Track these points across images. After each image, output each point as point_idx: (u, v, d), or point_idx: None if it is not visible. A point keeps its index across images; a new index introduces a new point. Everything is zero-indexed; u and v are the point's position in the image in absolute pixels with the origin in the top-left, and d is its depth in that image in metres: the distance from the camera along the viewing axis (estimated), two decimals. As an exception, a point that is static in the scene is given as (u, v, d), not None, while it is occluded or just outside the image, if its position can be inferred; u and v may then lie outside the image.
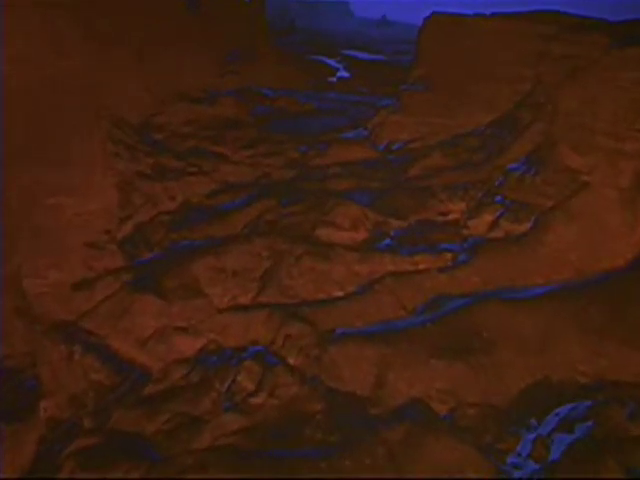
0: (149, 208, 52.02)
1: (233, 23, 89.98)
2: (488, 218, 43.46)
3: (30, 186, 47.61)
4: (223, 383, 32.20)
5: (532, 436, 29.96)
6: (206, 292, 38.94)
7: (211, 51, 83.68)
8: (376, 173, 53.02)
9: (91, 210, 49.32)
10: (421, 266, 40.17)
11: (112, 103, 61.21)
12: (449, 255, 40.68)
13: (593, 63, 50.53)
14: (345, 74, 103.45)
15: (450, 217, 44.64)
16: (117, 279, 40.96)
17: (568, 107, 47.75)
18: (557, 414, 30.23)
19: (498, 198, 44.74)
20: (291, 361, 34.10)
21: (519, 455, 29.30)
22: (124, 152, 55.95)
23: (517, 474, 28.36)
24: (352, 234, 42.44)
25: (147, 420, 31.44)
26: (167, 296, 38.41)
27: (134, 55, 68.72)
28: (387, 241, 42.07)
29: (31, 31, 50.13)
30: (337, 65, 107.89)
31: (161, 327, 37.06)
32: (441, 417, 31.44)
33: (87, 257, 45.14)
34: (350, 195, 47.29)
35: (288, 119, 74.69)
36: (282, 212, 45.86)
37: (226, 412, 30.42)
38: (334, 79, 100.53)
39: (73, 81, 56.36)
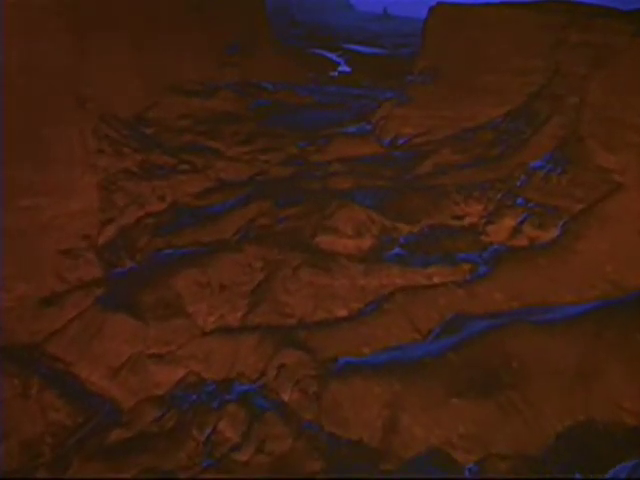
0: (134, 210, 44.45)
1: (233, 15, 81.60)
2: (509, 223, 35.86)
3: (1, 185, 40.03)
4: (202, 431, 24.78)
5: (580, 501, 22.63)
6: (189, 310, 31.51)
7: (210, 43, 75.39)
8: (381, 170, 45.34)
9: (69, 212, 41.72)
10: (436, 279, 32.65)
11: (101, 95, 53.18)
12: (467, 266, 33.16)
13: (619, 51, 42.58)
14: (346, 68, 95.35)
15: (466, 221, 37.05)
16: (89, 294, 33.54)
17: (596, 99, 39.91)
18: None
19: (520, 200, 37.09)
20: (285, 397, 26.70)
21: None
22: (109, 148, 48.27)
23: None
24: (357, 242, 34.88)
25: (110, 475, 24.09)
26: (144, 315, 30.98)
27: (129, 44, 60.52)
28: (396, 250, 34.52)
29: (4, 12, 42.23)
30: (338, 59, 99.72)
31: (135, 353, 29.68)
32: (467, 471, 24.08)
33: (60, 266, 37.66)
34: (354, 196, 39.66)
35: (288, 113, 66.82)
36: (278, 215, 38.29)
37: (204, 469, 23.04)
38: (335, 73, 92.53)
39: (53, 69, 48.35)
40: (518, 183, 38.41)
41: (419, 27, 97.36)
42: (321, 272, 32.75)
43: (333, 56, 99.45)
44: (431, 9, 65.84)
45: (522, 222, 35.41)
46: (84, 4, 52.98)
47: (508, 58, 55.93)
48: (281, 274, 32.80)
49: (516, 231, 35.18)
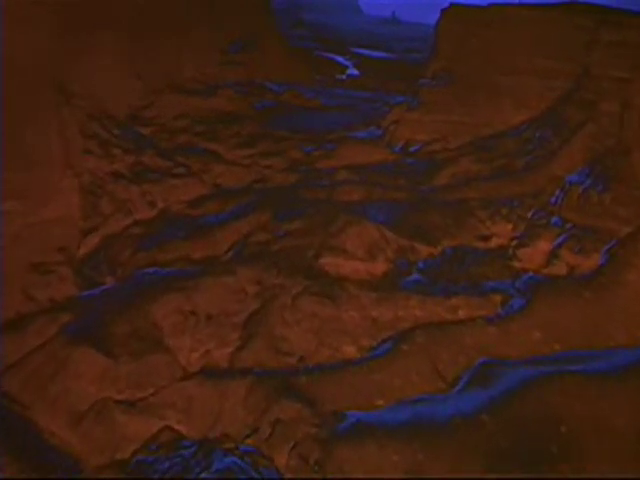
0: (121, 217, 38.45)
1: (238, 12, 75.37)
2: (544, 246, 29.72)
3: (-33, 189, 34.03)
4: (172, 516, 18.74)
5: None
6: (168, 344, 25.40)
7: (213, 40, 69.28)
8: (394, 180, 39.17)
9: (45, 220, 35.67)
10: (461, 313, 26.50)
11: (92, 92, 47.15)
12: (498, 297, 27.01)
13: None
14: (354, 71, 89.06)
15: (493, 243, 30.92)
16: (54, 320, 27.39)
17: (641, 104, 33.79)
18: None
19: (555, 220, 30.93)
20: (280, 464, 20.60)
21: None
22: (97, 148, 42.15)
23: None
24: (368, 265, 28.70)
25: None
26: (115, 350, 24.86)
27: (126, 41, 54.41)
28: (414, 276, 28.36)
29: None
30: (346, 62, 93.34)
31: (103, 398, 23.57)
32: None
33: (30, 282, 31.61)
34: (364, 209, 33.49)
35: (293, 115, 60.63)
36: (278, 230, 32.15)
37: None
38: (343, 76, 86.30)
39: (41, 65, 42.26)
40: (552, 200, 32.24)
41: (428, 32, 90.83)
42: (326, 301, 26.64)
43: (341, 59, 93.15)
44: (444, 10, 59.98)
45: (559, 246, 29.28)
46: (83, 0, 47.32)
47: (528, 60, 50.06)
48: (279, 303, 26.68)
49: (552, 256, 29.05)
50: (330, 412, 22.29)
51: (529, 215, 31.75)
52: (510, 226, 31.32)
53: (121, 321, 26.03)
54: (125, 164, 42.75)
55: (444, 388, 23.46)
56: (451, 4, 60.17)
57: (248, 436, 21.67)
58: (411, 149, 46.18)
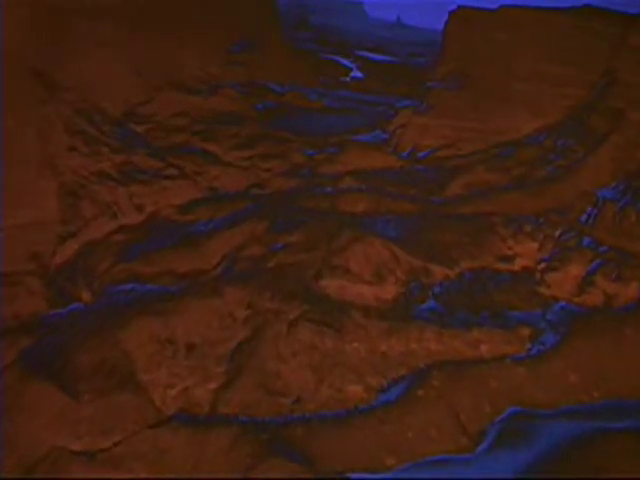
0: (104, 222, 33.75)
1: (242, 11, 70.63)
2: (576, 271, 24.99)
3: None
4: None
5: None
6: (141, 380, 20.66)
7: (216, 39, 64.41)
8: (403, 189, 34.39)
9: (18, 224, 31.04)
10: (484, 349, 21.79)
11: (85, 87, 42.64)
12: (526, 331, 22.32)
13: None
14: (358, 74, 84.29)
15: (517, 264, 26.17)
16: (13, 344, 22.64)
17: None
18: None
19: (587, 240, 26.22)
20: None
21: None
22: (83, 146, 37.45)
23: None
24: (376, 289, 23.93)
25: None
26: (77, 386, 20.15)
27: (126, 36, 49.85)
28: (429, 302, 23.63)
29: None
30: (350, 64, 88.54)
31: (58, 447, 18.83)
32: None
33: (-6, 296, 26.88)
34: (371, 223, 28.71)
35: (295, 116, 55.88)
36: (274, 243, 27.37)
37: None
38: (347, 78, 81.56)
39: (30, 58, 37.84)
40: (583, 218, 27.53)
41: (432, 37, 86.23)
42: (327, 330, 21.95)
43: (345, 61, 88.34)
44: (451, 13, 55.43)
45: (593, 271, 24.58)
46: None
47: (541, 65, 45.58)
48: (272, 331, 21.97)
49: (586, 283, 24.33)
50: (331, 473, 17.62)
51: (557, 234, 27.05)
52: (536, 246, 26.62)
53: (87, 349, 21.29)
54: (112, 163, 38.08)
55: (467, 445, 18.77)
56: (459, 6, 55.72)
57: (229, 503, 16.99)
58: (419, 155, 41.46)
